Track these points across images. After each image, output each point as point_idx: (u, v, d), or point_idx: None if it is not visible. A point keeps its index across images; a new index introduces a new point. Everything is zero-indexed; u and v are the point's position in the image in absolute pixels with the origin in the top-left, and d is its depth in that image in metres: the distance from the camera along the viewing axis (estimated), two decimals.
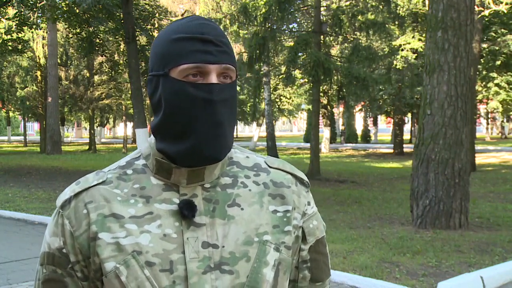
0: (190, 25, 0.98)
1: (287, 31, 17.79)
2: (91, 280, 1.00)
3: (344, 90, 16.58)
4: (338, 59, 16.29)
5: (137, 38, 15.92)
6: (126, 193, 1.00)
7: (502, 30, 23.88)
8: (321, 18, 15.55)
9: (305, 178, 1.13)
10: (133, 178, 1.02)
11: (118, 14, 16.01)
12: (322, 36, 15.03)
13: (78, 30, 17.56)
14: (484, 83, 28.88)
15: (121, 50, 19.64)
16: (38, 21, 19.86)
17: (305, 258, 1.09)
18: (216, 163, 1.02)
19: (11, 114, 45.63)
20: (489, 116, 38.81)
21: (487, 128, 40.77)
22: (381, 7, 15.51)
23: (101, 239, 0.97)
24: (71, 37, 19.93)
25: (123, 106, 34.51)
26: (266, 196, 1.05)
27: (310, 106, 29.76)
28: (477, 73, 20.73)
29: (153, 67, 1.01)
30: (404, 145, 26.85)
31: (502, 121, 42.66)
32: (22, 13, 17.55)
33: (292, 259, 1.06)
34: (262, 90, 20.71)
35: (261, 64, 17.74)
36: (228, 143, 1.00)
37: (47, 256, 1.02)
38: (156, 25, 22.63)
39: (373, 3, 15.87)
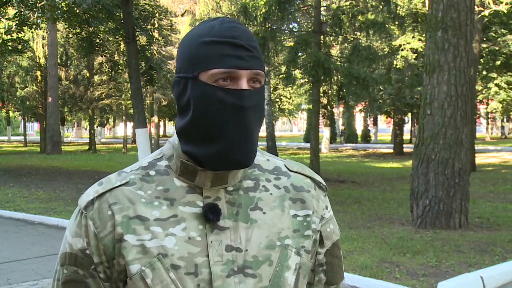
0: (221, 28, 0.97)
1: (287, 31, 17.77)
2: (113, 281, 1.00)
3: (344, 90, 16.56)
4: (338, 59, 16.28)
5: (137, 38, 15.91)
6: (150, 195, 1.00)
7: (502, 30, 23.88)
8: (321, 18, 15.54)
9: (323, 182, 1.14)
10: (156, 180, 1.02)
11: (118, 14, 16.00)
12: (322, 36, 15.02)
13: (78, 30, 17.54)
14: (484, 83, 28.88)
15: (121, 50, 19.62)
16: (38, 21, 19.83)
17: (321, 261, 1.10)
18: None
19: (11, 114, 45.67)
20: (489, 116, 38.80)
21: (487, 128, 40.78)
22: (381, 7, 15.49)
23: (126, 241, 0.96)
24: (71, 37, 19.93)
25: (123, 106, 34.52)
26: (287, 200, 1.06)
27: (310, 106, 29.77)
28: (477, 73, 20.73)
29: (181, 69, 1.00)
30: (404, 145, 26.85)
31: (502, 121, 42.66)
32: (22, 13, 17.53)
33: (310, 263, 1.07)
34: None
35: None
36: (255, 149, 1.00)
37: (68, 256, 1.01)
38: (156, 25, 22.64)
39: (373, 3, 15.85)
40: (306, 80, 18.04)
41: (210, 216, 0.97)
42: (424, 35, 17.97)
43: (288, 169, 1.11)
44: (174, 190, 1.01)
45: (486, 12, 16.79)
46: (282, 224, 1.03)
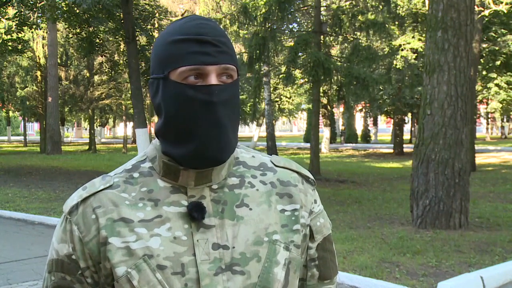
0: (187, 26, 0.97)
1: (287, 31, 17.79)
2: (101, 285, 1.00)
3: (344, 90, 16.57)
4: (338, 59, 16.29)
5: (137, 38, 15.91)
6: (134, 196, 1.00)
7: (502, 30, 23.88)
8: (321, 18, 15.55)
9: (311, 176, 1.13)
10: (140, 182, 1.02)
11: (118, 14, 16.00)
12: (322, 36, 15.02)
13: (78, 30, 17.54)
14: (484, 83, 28.88)
15: (121, 50, 19.62)
16: (38, 21, 19.83)
17: (313, 256, 1.10)
18: (223, 164, 1.01)
19: (11, 114, 45.64)
20: (489, 116, 38.80)
21: (487, 128, 40.77)
22: (381, 7, 15.50)
23: (111, 244, 0.96)
24: (71, 37, 19.91)
25: (123, 106, 34.51)
26: (273, 196, 1.05)
27: (310, 106, 29.76)
28: (477, 73, 20.73)
29: (153, 70, 1.01)
30: (404, 145, 26.84)
31: (502, 121, 42.65)
32: (22, 13, 17.54)
33: (301, 258, 1.06)
34: (262, 90, 20.71)
35: (261, 64, 17.73)
36: (231, 144, 0.99)
37: (55, 263, 1.01)
38: (156, 25, 22.63)
39: (373, 3, 15.86)
40: (306, 80, 18.04)
41: (194, 214, 0.97)
42: (424, 35, 17.97)
43: (274, 164, 1.10)
44: (158, 190, 1.00)
45: (486, 12, 16.79)
46: (270, 219, 1.02)
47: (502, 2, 17.09)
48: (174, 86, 0.96)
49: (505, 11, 18.27)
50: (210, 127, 0.95)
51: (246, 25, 16.05)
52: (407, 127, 36.79)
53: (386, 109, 26.91)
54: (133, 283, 0.95)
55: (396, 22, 17.95)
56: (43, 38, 28.74)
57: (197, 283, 0.95)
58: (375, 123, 41.57)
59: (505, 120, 42.55)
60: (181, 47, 0.95)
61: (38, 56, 30.12)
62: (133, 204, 0.99)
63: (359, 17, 14.81)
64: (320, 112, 19.86)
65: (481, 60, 24.05)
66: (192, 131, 0.96)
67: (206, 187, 1.01)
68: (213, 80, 0.95)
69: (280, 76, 22.21)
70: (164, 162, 1.01)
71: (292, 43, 15.65)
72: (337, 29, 15.13)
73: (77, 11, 16.18)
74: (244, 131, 65.13)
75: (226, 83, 0.97)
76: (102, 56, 20.53)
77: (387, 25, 15.29)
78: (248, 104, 26.42)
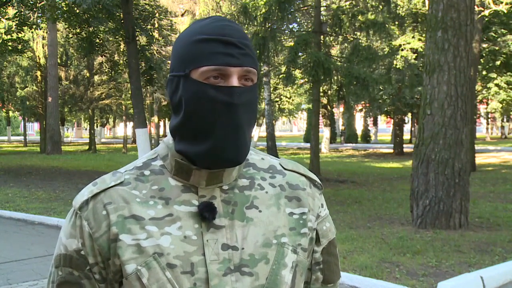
0: (213, 27, 0.97)
1: (287, 31, 17.78)
2: (109, 282, 1.00)
3: (344, 90, 16.57)
4: (338, 59, 16.28)
5: (137, 38, 15.91)
6: (144, 194, 1.00)
7: (502, 30, 23.89)
8: (321, 18, 15.54)
9: (318, 180, 1.14)
10: (151, 179, 1.02)
11: (118, 14, 15.99)
12: (322, 36, 15.02)
13: (78, 30, 17.53)
14: (484, 83, 28.88)
15: (121, 50, 19.61)
16: (38, 21, 19.83)
17: (318, 259, 1.10)
18: None
19: (11, 114, 45.66)
20: (489, 116, 38.80)
21: (487, 128, 40.77)
22: (381, 7, 15.50)
23: (121, 241, 0.96)
24: (71, 37, 19.90)
25: (123, 106, 34.51)
26: (282, 199, 1.06)
27: (310, 106, 29.77)
28: (477, 73, 20.73)
29: (174, 68, 1.01)
30: (404, 145, 26.84)
31: (502, 121, 42.64)
32: (22, 13, 17.54)
33: (307, 261, 1.07)
34: (262, 90, 20.72)
35: (261, 64, 17.73)
36: (247, 146, 1.00)
37: (63, 258, 1.01)
38: (156, 25, 22.63)
39: (373, 3, 15.86)
40: (306, 80, 18.03)
41: (205, 214, 0.97)
42: (424, 35, 17.97)
43: (283, 167, 1.11)
44: (169, 189, 1.01)
45: (486, 12, 16.79)
46: (278, 222, 1.03)
47: (502, 2, 17.09)
48: (195, 85, 0.96)
49: (505, 11, 18.28)
50: (228, 128, 0.96)
51: (246, 25, 16.03)
52: (407, 127, 36.80)
53: (386, 109, 26.92)
54: (142, 281, 0.95)
55: (396, 22, 17.93)
56: (43, 38, 28.74)
57: (206, 283, 0.95)
58: (375, 123, 41.59)
59: (505, 120, 42.56)
60: (205, 47, 0.96)
61: (38, 56, 30.13)
62: (144, 201, 0.99)
63: (359, 17, 14.80)
64: (320, 112, 19.86)
65: (481, 60, 24.07)
66: (211, 131, 0.96)
67: (217, 187, 1.01)
68: (234, 81, 0.95)
69: (280, 76, 22.20)
70: (177, 161, 1.01)
71: (292, 43, 15.64)
72: (337, 29, 15.12)
73: (77, 11, 16.17)
74: None
75: (246, 86, 0.97)
76: (102, 56, 20.51)
77: (387, 25, 15.28)
78: None
